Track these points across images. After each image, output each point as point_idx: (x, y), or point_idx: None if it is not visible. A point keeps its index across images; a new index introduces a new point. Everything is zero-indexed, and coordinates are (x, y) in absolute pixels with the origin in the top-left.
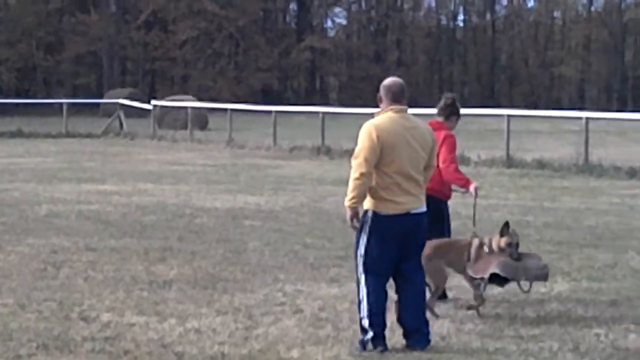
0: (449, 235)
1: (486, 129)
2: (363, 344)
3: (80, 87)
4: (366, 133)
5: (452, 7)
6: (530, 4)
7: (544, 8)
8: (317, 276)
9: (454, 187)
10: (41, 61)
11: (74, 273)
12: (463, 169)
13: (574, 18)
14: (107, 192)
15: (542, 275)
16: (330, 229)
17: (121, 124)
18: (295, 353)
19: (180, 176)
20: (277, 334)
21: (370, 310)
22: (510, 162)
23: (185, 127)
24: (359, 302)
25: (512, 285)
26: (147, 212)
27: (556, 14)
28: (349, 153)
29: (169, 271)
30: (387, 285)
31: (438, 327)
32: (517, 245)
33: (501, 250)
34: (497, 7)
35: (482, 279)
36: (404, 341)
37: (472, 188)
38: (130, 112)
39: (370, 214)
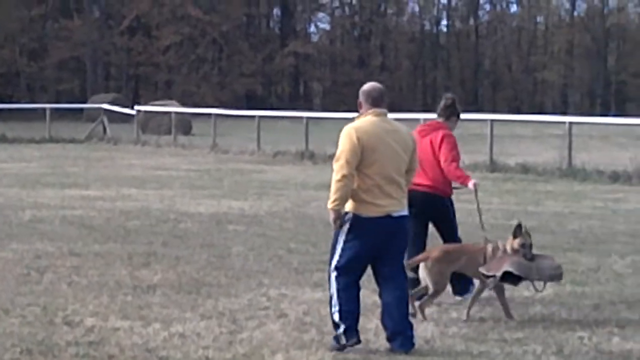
0: (456, 233)
1: (469, 133)
2: (337, 339)
3: (64, 93)
4: (346, 135)
5: (435, 13)
6: (513, 9)
7: (527, 13)
8: (301, 281)
9: (453, 184)
10: (24, 67)
11: (58, 278)
12: None
13: (557, 23)
14: (90, 197)
15: (557, 276)
16: (314, 233)
17: (105, 129)
18: (279, 357)
19: (164, 181)
20: (262, 338)
21: (340, 305)
22: (493, 166)
23: (169, 132)
24: (330, 297)
25: (507, 289)
26: (131, 217)
27: (539, 19)
28: (333, 158)
29: (153, 276)
30: (362, 282)
31: (422, 331)
32: (531, 246)
33: (515, 251)
34: (481, 13)
35: (494, 276)
36: (387, 344)
37: (471, 185)
38: (114, 117)
39: (350, 216)
